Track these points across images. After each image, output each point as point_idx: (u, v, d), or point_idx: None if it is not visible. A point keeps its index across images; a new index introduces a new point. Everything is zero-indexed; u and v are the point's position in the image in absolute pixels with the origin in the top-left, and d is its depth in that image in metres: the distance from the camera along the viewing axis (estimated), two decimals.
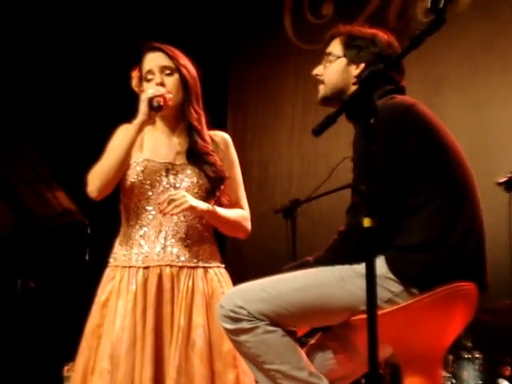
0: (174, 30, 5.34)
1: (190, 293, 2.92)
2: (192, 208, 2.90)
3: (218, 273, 3.04)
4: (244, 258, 5.61)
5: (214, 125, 3.18)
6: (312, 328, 2.76)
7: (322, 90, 2.78)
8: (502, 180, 4.03)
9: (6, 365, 4.30)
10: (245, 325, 2.53)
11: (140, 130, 2.94)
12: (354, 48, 2.74)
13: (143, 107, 2.93)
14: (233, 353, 2.86)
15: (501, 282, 3.87)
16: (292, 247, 4.67)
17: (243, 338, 2.54)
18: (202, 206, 2.93)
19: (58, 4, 5.57)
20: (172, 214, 2.90)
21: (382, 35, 2.76)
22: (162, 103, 2.93)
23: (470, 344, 4.03)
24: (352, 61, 2.73)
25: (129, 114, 3.03)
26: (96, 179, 2.92)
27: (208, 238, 3.06)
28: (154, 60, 3.04)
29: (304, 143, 5.84)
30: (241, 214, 3.11)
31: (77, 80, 5.60)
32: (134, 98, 3.06)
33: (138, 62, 3.09)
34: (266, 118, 6.14)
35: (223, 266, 3.09)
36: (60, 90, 5.55)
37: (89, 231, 4.30)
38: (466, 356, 4.00)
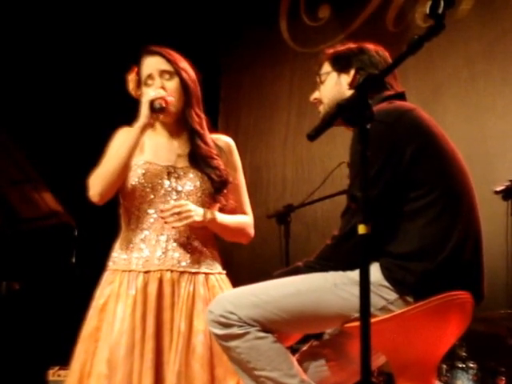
0: (166, 32, 5.34)
1: (191, 298, 2.89)
2: (194, 223, 2.89)
3: (220, 279, 3.01)
4: (236, 263, 5.58)
5: None
6: (304, 335, 2.75)
7: (322, 109, 2.79)
8: (499, 188, 4.04)
9: None
10: (235, 330, 2.52)
11: (142, 132, 2.92)
12: (341, 59, 2.76)
13: (145, 109, 2.91)
14: None
15: (497, 291, 3.87)
16: (285, 252, 4.67)
17: (233, 343, 2.52)
18: (205, 217, 2.91)
19: (55, 5, 5.58)
20: (173, 227, 2.89)
21: (369, 45, 2.77)
22: (163, 104, 2.91)
23: (464, 353, 4.05)
24: (341, 70, 2.74)
25: (124, 117, 3.01)
26: (98, 183, 2.88)
27: (210, 244, 3.03)
28: (153, 64, 3.01)
29: (299, 148, 5.84)
30: (244, 220, 3.09)
31: (69, 81, 5.61)
32: (130, 101, 3.04)
33: (132, 64, 3.07)
34: (259, 121, 6.15)
35: (225, 272, 3.06)
36: (52, 90, 5.56)
37: (76, 233, 4.28)
38: (461, 365, 4.01)
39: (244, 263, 5.66)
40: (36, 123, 5.41)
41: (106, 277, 2.96)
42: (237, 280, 2.98)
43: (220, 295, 2.75)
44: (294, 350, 2.77)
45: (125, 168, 2.89)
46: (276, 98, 6.05)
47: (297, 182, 5.81)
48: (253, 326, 2.51)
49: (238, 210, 3.07)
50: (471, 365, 3.99)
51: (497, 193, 4.03)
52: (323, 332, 2.75)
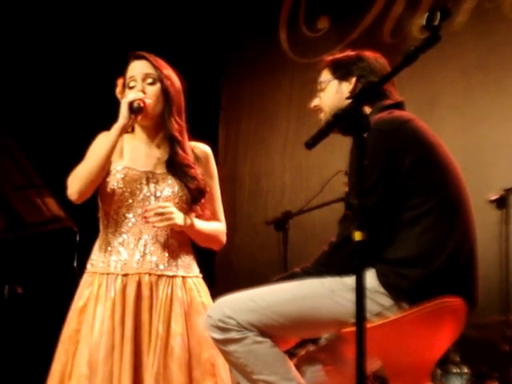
0: (168, 42, 5.36)
1: (169, 301, 2.92)
2: (175, 225, 2.94)
3: (197, 282, 3.05)
4: (234, 269, 5.60)
5: (204, 136, 3.19)
6: (302, 339, 2.76)
7: (323, 117, 2.79)
8: (494, 197, 4.08)
9: None
10: (234, 335, 2.54)
11: (120, 133, 2.95)
12: (342, 67, 2.76)
13: (124, 110, 2.94)
14: (211, 361, 2.88)
15: (490, 298, 3.89)
16: (283, 258, 4.69)
17: (232, 348, 2.55)
18: (185, 222, 2.95)
19: (47, 10, 5.56)
20: (154, 226, 2.94)
21: (367, 52, 2.78)
22: (141, 105, 2.95)
23: (458, 358, 4.04)
24: (342, 78, 2.75)
25: (113, 122, 3.04)
26: (76, 182, 2.92)
27: (187, 248, 3.07)
28: (137, 67, 3.05)
29: (297, 156, 5.84)
30: (217, 227, 3.12)
31: (65, 85, 5.58)
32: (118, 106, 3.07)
33: (123, 69, 3.10)
34: (259, 130, 6.15)
35: (201, 276, 3.10)
36: (47, 95, 5.53)
37: (78, 238, 4.30)
38: (455, 370, 4.00)
39: (243, 269, 5.65)
40: (38, 129, 5.39)
41: (85, 279, 2.99)
42: (236, 285, 3.01)
43: (219, 300, 2.75)
44: (291, 355, 2.76)
45: (103, 168, 2.93)
46: (275, 107, 6.06)
47: (295, 189, 5.81)
48: (251, 330, 2.53)
49: (212, 217, 3.10)
50: (465, 370, 3.98)
51: (491, 202, 4.07)
52: (320, 337, 2.77)
